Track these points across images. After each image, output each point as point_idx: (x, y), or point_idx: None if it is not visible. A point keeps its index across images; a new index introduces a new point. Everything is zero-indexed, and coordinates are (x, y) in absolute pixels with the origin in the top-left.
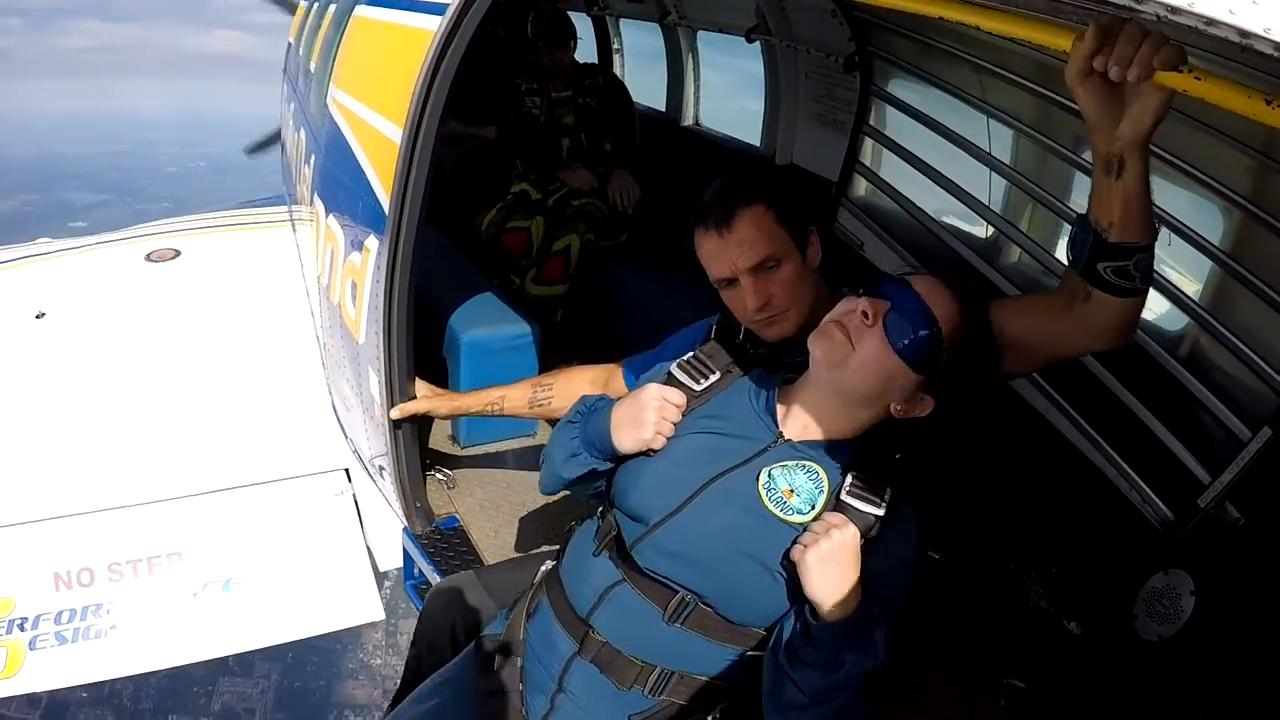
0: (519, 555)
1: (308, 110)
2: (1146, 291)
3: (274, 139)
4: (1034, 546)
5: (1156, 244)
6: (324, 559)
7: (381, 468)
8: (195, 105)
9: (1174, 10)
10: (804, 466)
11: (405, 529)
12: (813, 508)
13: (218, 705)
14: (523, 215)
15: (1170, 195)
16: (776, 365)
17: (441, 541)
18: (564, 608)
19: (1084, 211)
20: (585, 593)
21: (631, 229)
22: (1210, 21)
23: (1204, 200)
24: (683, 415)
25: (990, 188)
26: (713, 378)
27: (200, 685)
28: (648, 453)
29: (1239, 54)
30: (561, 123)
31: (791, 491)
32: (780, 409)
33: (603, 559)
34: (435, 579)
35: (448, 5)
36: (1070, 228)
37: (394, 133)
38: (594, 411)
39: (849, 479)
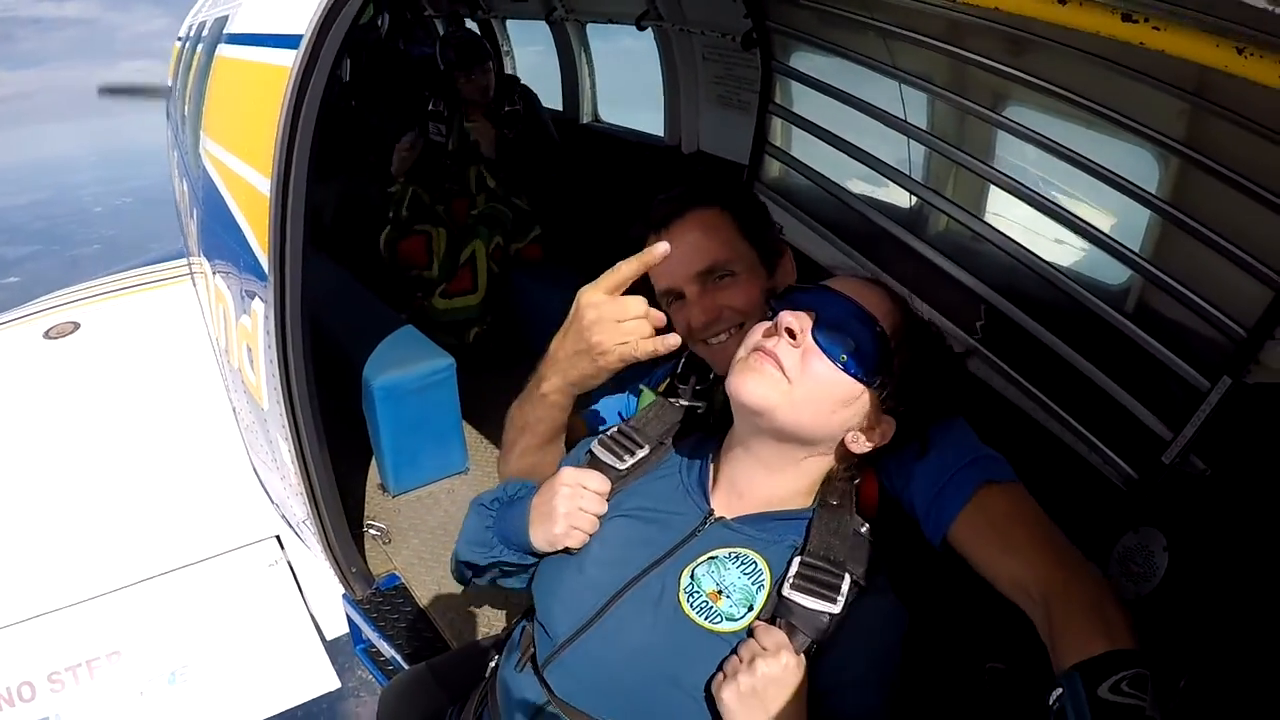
0: (471, 642)
1: (186, 160)
2: None
3: (131, 90)
4: None
5: (1086, 202)
6: (267, 634)
7: (312, 534)
8: (113, 142)
9: None
10: (737, 557)
11: (345, 596)
12: (749, 609)
13: None
14: (421, 221)
15: (1102, 144)
16: (717, 427)
17: (384, 604)
18: None
19: None
20: (513, 714)
21: (540, 224)
22: None
23: (1136, 147)
24: (607, 501)
25: (909, 156)
26: (640, 453)
27: None
28: (566, 551)
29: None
30: (472, 152)
31: (719, 593)
32: (713, 480)
33: (527, 675)
34: (383, 645)
35: (300, 36)
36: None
37: (263, 184)
38: (514, 501)
39: (794, 566)
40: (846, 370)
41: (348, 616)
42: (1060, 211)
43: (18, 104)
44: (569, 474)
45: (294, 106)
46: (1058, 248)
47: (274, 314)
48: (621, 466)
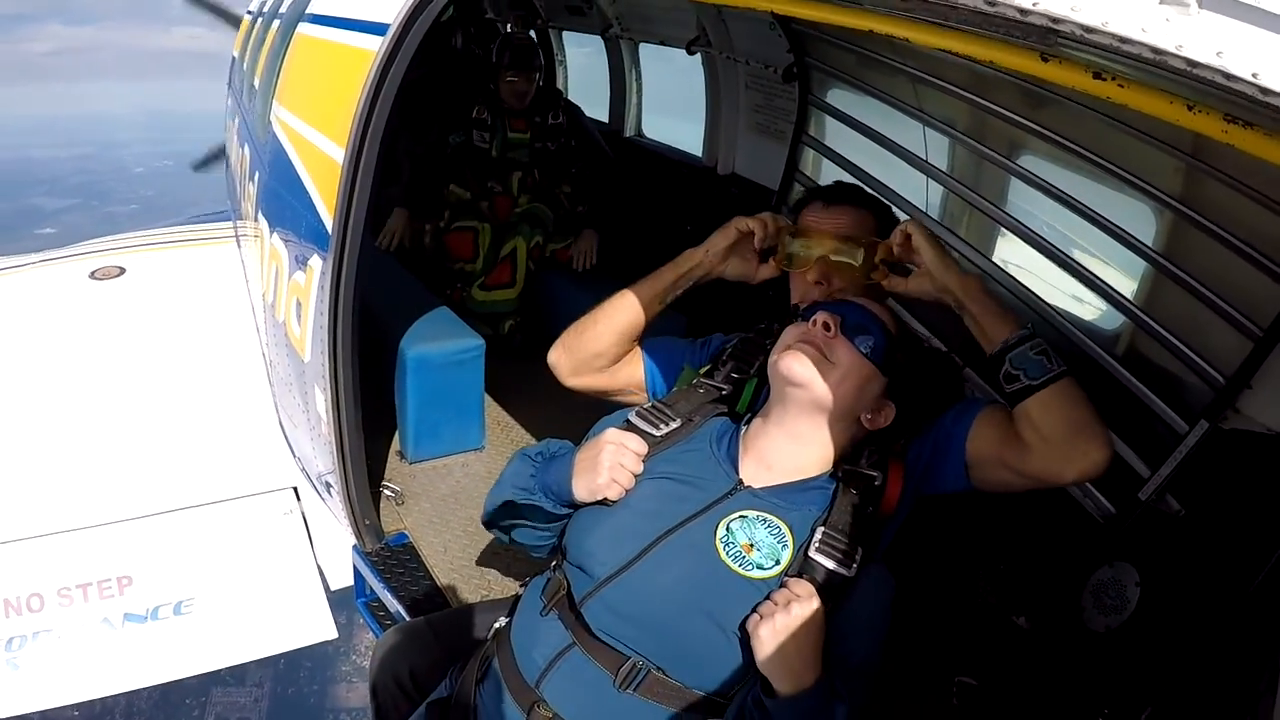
0: (471, 603)
1: (251, 126)
2: (1046, 386)
3: (219, 155)
4: (981, 544)
5: (1087, 249)
6: (274, 578)
7: (329, 485)
8: (160, 104)
9: (1090, 29)
10: (765, 520)
11: (355, 547)
12: (776, 563)
13: (212, 716)
14: (469, 218)
15: (1103, 197)
16: (740, 411)
17: (391, 559)
18: (513, 673)
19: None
20: (534, 659)
21: (585, 224)
22: (1124, 40)
23: (1135, 201)
24: (643, 462)
25: (927, 194)
26: (673, 424)
27: (193, 697)
28: (603, 502)
29: (1152, 72)
30: (513, 159)
31: (751, 545)
32: (741, 454)
33: (551, 620)
34: (387, 597)
35: (388, 26)
36: (1001, 232)
37: (336, 153)
38: (555, 457)
39: (818, 534)
40: (869, 357)
41: (355, 568)
42: (1062, 256)
43: (71, 59)
44: (613, 433)
45: (375, 86)
46: (1058, 290)
47: (332, 270)
48: (656, 434)
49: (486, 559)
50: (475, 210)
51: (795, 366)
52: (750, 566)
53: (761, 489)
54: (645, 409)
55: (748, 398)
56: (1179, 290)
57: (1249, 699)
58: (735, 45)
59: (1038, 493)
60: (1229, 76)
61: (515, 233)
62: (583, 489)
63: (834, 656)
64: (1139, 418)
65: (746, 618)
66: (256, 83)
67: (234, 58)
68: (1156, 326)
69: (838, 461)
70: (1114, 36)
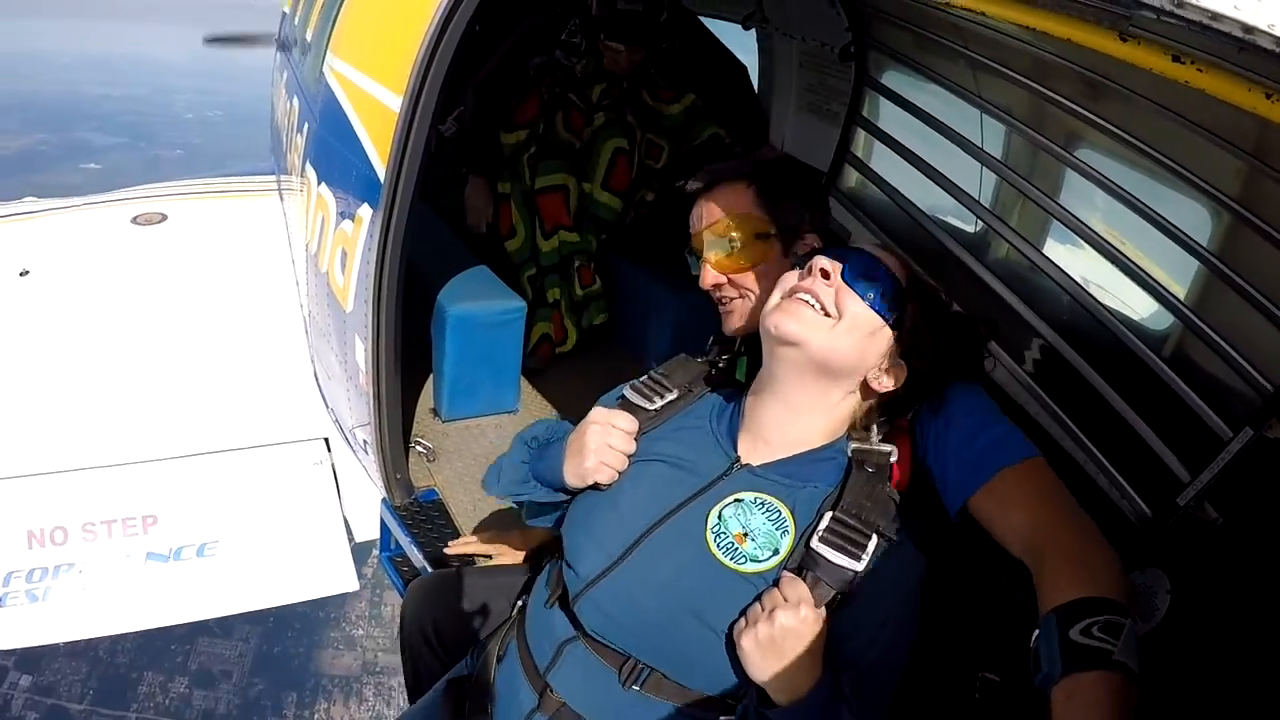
0: (504, 564)
1: (301, 79)
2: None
3: (236, 39)
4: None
5: (1140, 247)
6: (300, 527)
7: (363, 439)
8: (219, 55)
9: (1180, 4)
10: (763, 504)
11: (384, 500)
12: (774, 553)
13: (194, 665)
14: (556, 162)
15: (1159, 195)
16: (740, 384)
17: (420, 514)
18: (527, 657)
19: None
20: (543, 646)
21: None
22: (1215, 16)
23: (1192, 200)
24: (636, 441)
25: (981, 183)
26: (670, 395)
27: (179, 644)
28: (596, 487)
29: (1236, 55)
30: (601, 72)
31: (745, 535)
32: (741, 428)
33: (555, 611)
34: (413, 551)
35: None
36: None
37: (393, 101)
38: (551, 442)
39: (825, 519)
40: (873, 307)
41: (381, 521)
42: (1115, 253)
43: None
44: (600, 413)
45: (440, 29)
46: (1108, 286)
47: (382, 218)
48: (651, 408)
49: (516, 521)
50: (559, 148)
51: (787, 322)
52: (744, 559)
53: (761, 466)
54: (640, 381)
55: (743, 369)
56: (1231, 294)
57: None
58: (791, 22)
59: (1072, 489)
60: None
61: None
62: (572, 474)
63: (842, 657)
64: (1183, 421)
65: (735, 620)
66: (309, 35)
67: (284, 13)
68: (1206, 329)
69: (847, 433)
70: (1204, 11)
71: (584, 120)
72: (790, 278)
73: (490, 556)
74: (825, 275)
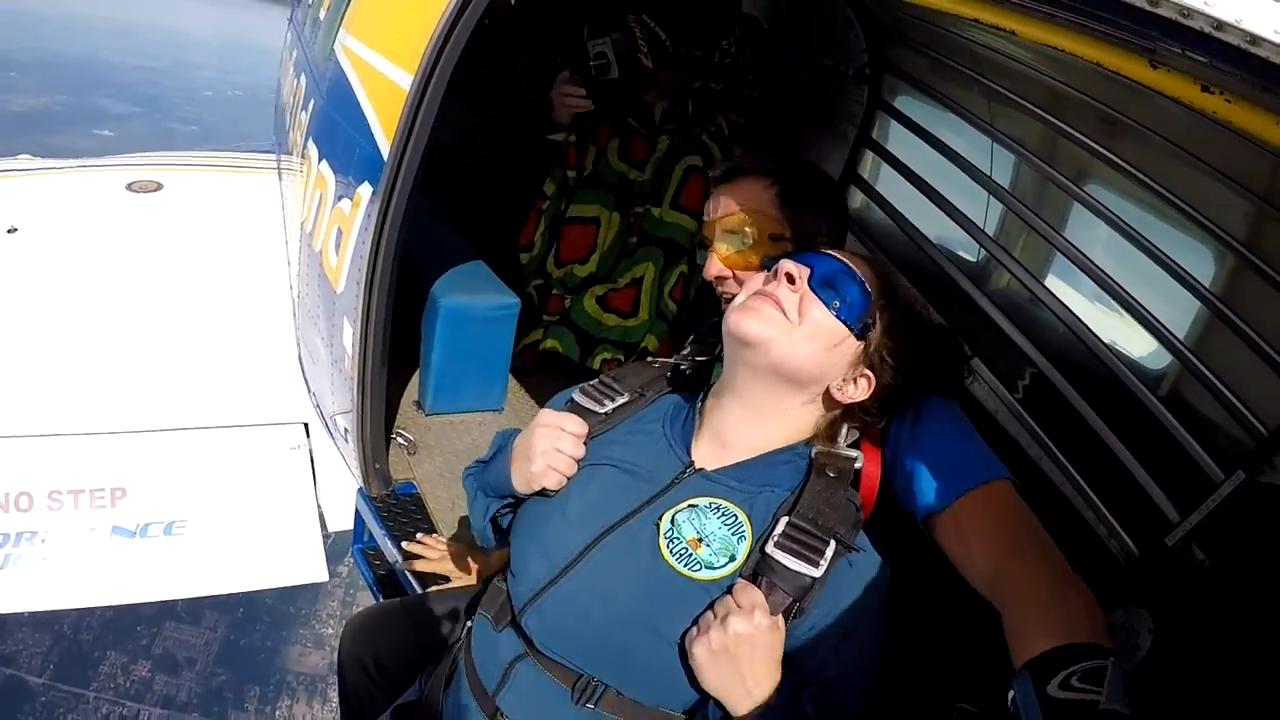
0: (450, 587)
1: (311, 57)
2: None
3: None
4: None
5: (1142, 284)
6: (272, 513)
7: (344, 427)
8: (245, 35)
9: (1220, 26)
10: (718, 509)
11: (360, 490)
12: (730, 559)
13: (159, 649)
14: (596, 192)
15: (1165, 234)
16: (699, 384)
17: (396, 507)
18: (475, 680)
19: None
20: (490, 668)
21: None
22: (1254, 39)
23: (1198, 241)
24: (585, 445)
25: (987, 211)
26: (620, 399)
27: (145, 625)
28: (544, 493)
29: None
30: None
31: (699, 541)
32: (696, 432)
33: (506, 633)
34: (386, 544)
35: None
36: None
37: (403, 79)
38: (497, 453)
39: (781, 524)
40: (838, 316)
41: (356, 512)
42: (1116, 288)
43: None
44: (548, 415)
45: (455, 14)
46: (1107, 323)
47: (381, 198)
48: (601, 411)
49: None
50: (604, 173)
51: (747, 321)
52: (698, 566)
53: (716, 470)
54: (591, 385)
55: (719, 374)
56: (1231, 336)
57: None
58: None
59: (1058, 523)
60: None
61: (643, 256)
62: (519, 480)
63: (804, 670)
64: (1175, 460)
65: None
66: (322, 14)
67: None
68: (1204, 370)
69: (810, 440)
70: (1244, 34)
71: (648, 148)
72: (757, 280)
73: (447, 579)
74: (790, 280)
